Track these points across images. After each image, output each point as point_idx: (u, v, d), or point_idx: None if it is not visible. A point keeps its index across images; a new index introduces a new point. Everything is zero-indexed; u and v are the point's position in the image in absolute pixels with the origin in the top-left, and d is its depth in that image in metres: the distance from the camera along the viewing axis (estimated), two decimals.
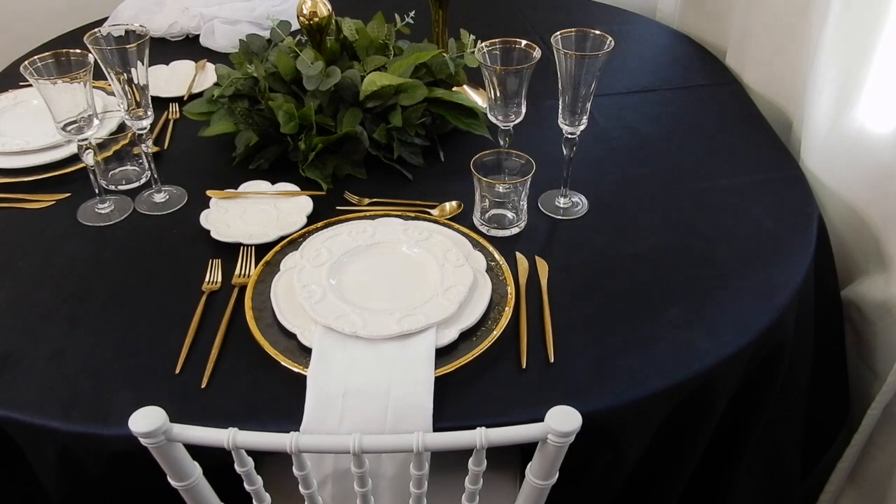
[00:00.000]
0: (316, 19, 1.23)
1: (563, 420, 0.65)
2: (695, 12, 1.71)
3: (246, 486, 0.73)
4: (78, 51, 1.03)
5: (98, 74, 1.04)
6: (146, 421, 0.65)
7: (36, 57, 1.01)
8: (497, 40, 1.07)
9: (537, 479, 0.71)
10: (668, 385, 0.87)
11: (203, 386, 0.86)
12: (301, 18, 1.24)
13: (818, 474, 1.26)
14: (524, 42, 1.07)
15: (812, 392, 1.13)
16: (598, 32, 1.02)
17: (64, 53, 1.02)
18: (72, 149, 1.21)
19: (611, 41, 1.00)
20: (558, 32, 1.02)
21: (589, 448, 0.80)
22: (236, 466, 0.69)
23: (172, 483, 0.71)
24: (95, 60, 1.02)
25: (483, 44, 1.07)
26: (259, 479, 0.72)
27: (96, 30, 1.03)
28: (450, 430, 0.71)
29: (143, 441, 0.66)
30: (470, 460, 0.70)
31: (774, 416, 1.05)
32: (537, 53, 1.05)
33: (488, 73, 1.06)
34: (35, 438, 0.85)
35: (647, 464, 0.94)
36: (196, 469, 0.72)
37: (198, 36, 1.64)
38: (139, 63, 1.03)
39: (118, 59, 1.01)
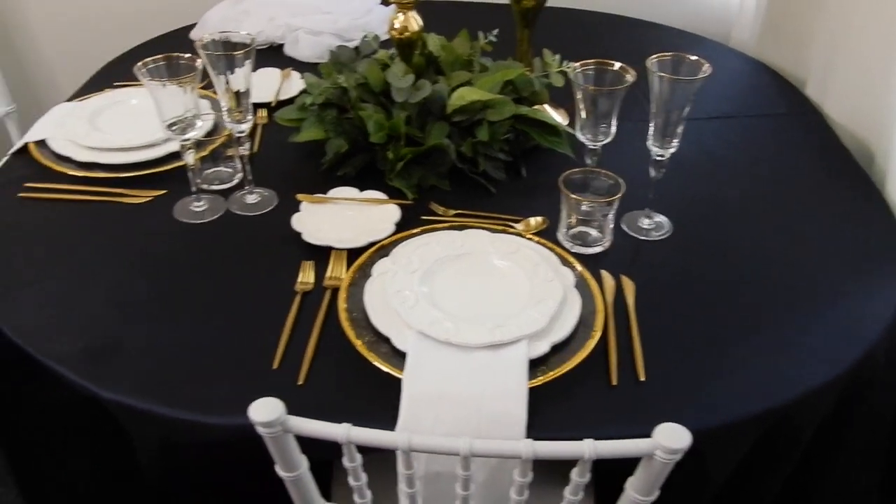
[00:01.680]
0: (407, 34, 1.27)
1: (673, 437, 0.66)
2: (773, 40, 1.71)
3: (352, 481, 0.75)
4: (187, 55, 1.07)
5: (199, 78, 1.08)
6: (265, 411, 0.67)
7: (149, 59, 1.05)
8: (591, 61, 1.09)
9: (638, 495, 0.72)
10: (755, 412, 0.87)
11: (300, 382, 0.89)
12: (392, 32, 1.27)
13: None
14: (618, 64, 1.09)
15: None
16: (693, 57, 1.04)
17: (175, 57, 1.07)
18: (168, 148, 1.26)
19: (707, 66, 1.02)
20: (654, 56, 1.03)
21: (676, 469, 0.81)
22: (345, 461, 0.72)
23: (281, 473, 0.74)
24: (203, 65, 1.06)
25: (576, 64, 1.09)
26: (365, 476, 0.74)
27: (206, 35, 1.07)
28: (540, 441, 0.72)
29: (261, 430, 0.68)
30: (574, 471, 0.71)
31: (856, 453, 1.03)
32: (631, 76, 1.07)
33: (581, 93, 1.08)
34: (139, 422, 0.88)
35: (729, 492, 0.94)
36: (304, 461, 0.74)
37: (282, 45, 1.69)
38: (244, 69, 1.07)
39: (225, 65, 1.05)
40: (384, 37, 1.37)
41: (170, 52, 1.07)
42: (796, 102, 1.53)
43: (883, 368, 0.98)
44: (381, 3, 1.86)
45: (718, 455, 0.89)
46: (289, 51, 1.67)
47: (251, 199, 1.19)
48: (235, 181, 1.23)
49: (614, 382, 0.89)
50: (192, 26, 1.75)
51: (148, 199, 1.19)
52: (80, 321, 0.97)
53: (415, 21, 1.26)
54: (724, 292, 1.03)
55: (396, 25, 1.26)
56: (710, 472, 0.89)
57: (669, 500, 0.89)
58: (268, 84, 1.52)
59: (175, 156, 1.26)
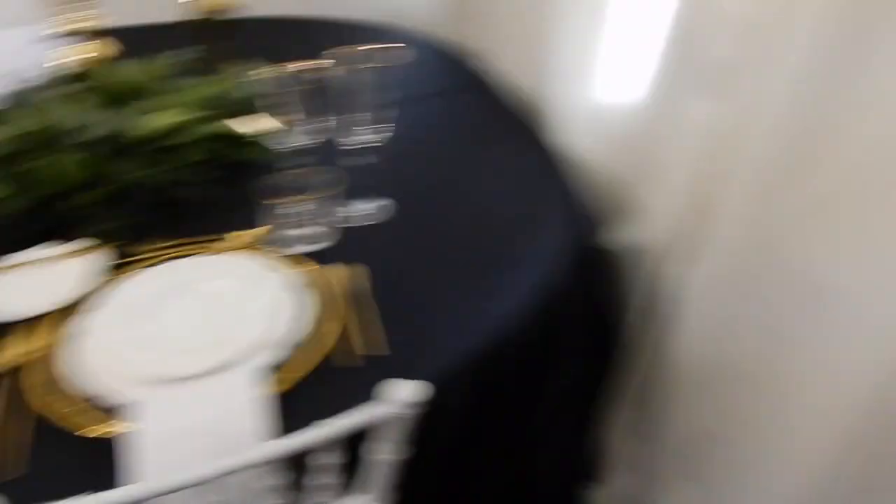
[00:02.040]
0: (88, 63, 1.17)
1: (403, 391, 0.69)
2: (457, 18, 1.84)
3: None
4: None
5: None
6: None
7: None
8: (281, 64, 1.09)
9: (392, 456, 0.74)
10: (475, 349, 0.96)
11: (14, 476, 0.79)
12: (69, 64, 1.16)
13: (603, 403, 1.37)
14: (308, 62, 1.09)
15: (588, 337, 1.24)
16: (366, 47, 1.07)
17: None
18: None
19: (396, 54, 1.06)
20: (329, 51, 1.05)
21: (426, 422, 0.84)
22: None
23: None
24: None
25: (266, 69, 1.08)
26: None
27: None
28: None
29: None
30: (321, 456, 0.70)
31: (564, 365, 1.15)
32: (323, 72, 1.08)
33: (289, 95, 1.08)
34: None
35: (468, 430, 1.00)
36: None
37: None
38: None
39: None
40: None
41: None
42: (471, 74, 1.66)
43: (571, 286, 1.11)
44: (36, 40, 1.69)
45: (453, 398, 0.94)
46: None
47: None
48: None
49: (358, 364, 0.91)
50: None
51: None
52: None
53: (94, 48, 1.17)
54: (439, 257, 1.11)
55: (74, 57, 1.16)
56: (448, 417, 0.94)
57: (417, 454, 0.92)
58: None
59: None
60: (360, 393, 0.85)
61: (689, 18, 1.05)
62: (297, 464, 0.72)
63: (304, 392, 0.87)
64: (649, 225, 1.23)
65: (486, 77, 1.64)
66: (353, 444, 0.72)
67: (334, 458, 0.70)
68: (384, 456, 0.74)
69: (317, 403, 0.85)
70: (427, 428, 0.80)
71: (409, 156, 1.35)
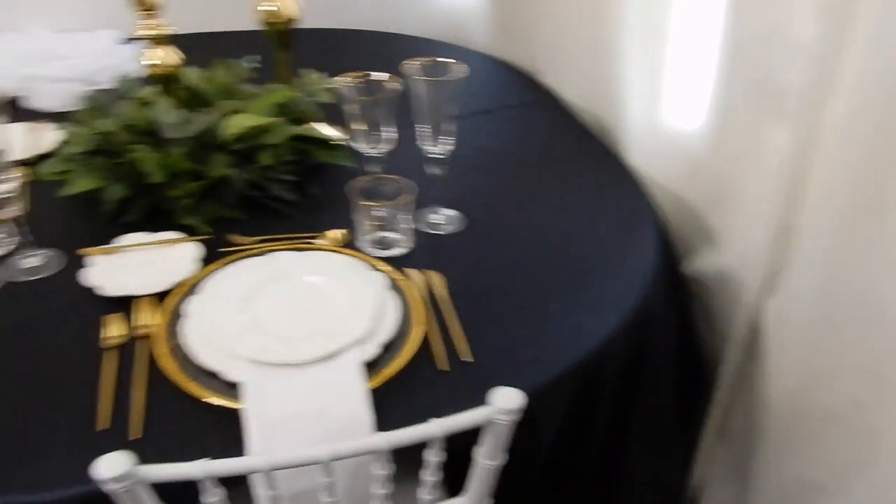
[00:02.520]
0: (166, 68, 1.25)
1: (507, 399, 0.74)
2: (505, 39, 1.88)
3: None
4: None
5: None
6: (112, 467, 0.65)
7: None
8: (354, 74, 1.15)
9: (488, 460, 0.79)
10: (571, 364, 0.98)
11: (134, 437, 0.85)
12: (151, 69, 1.24)
13: (692, 437, 1.42)
14: (381, 74, 1.15)
15: (677, 362, 1.30)
16: (446, 60, 1.13)
17: None
18: None
19: (463, 67, 1.11)
20: (407, 61, 1.11)
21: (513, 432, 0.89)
22: (206, 499, 0.71)
23: None
24: None
25: (341, 78, 1.14)
26: None
27: None
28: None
29: (111, 487, 0.65)
30: (427, 452, 0.76)
31: (653, 386, 1.18)
32: (396, 84, 1.14)
33: (351, 106, 1.13)
34: None
35: (561, 442, 1.04)
36: None
37: (16, 98, 1.57)
38: None
39: None
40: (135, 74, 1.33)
41: None
42: (538, 91, 1.70)
43: (659, 308, 1.14)
44: (121, 42, 1.78)
45: (545, 412, 0.98)
46: (31, 102, 1.56)
47: (31, 262, 1.10)
48: (12, 247, 1.13)
49: (444, 368, 0.95)
50: None
51: None
52: None
53: (173, 55, 1.25)
54: (520, 269, 1.14)
55: (154, 61, 1.23)
56: (541, 429, 0.98)
57: (511, 463, 0.98)
58: (16, 140, 1.40)
59: None
60: (446, 397, 0.92)
61: (764, 44, 1.06)
62: (401, 457, 0.77)
63: (392, 391, 0.91)
64: (727, 253, 1.25)
65: (554, 94, 1.68)
66: (454, 444, 0.77)
67: (437, 456, 0.75)
68: (484, 460, 0.79)
69: (403, 403, 0.90)
70: (517, 439, 0.85)
71: (484, 168, 1.39)
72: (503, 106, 1.63)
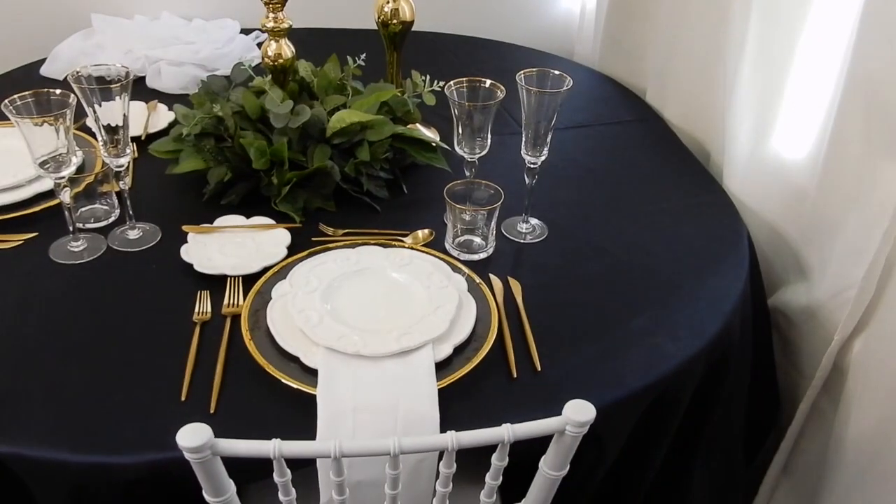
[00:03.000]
0: (280, 61, 1.29)
1: (580, 411, 0.73)
2: (613, 54, 1.86)
3: (282, 497, 0.76)
4: (58, 91, 1.05)
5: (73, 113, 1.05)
6: (193, 437, 0.68)
7: (16, 96, 1.02)
8: (464, 79, 1.16)
9: (552, 471, 0.78)
10: (643, 384, 0.96)
11: (212, 411, 0.89)
12: (266, 60, 1.29)
13: (757, 468, 1.38)
14: (488, 81, 1.16)
15: (750, 393, 1.26)
16: (556, 72, 1.13)
17: (44, 92, 1.04)
18: (35, 188, 1.22)
19: (570, 80, 1.11)
20: (522, 71, 1.12)
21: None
22: (276, 477, 0.73)
23: (210, 500, 0.74)
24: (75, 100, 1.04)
25: (451, 82, 1.16)
26: (294, 491, 0.76)
27: (78, 69, 1.05)
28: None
29: (190, 456, 0.68)
30: (494, 456, 0.76)
31: (723, 414, 1.16)
32: (502, 92, 1.15)
33: (458, 109, 1.15)
34: (44, 474, 0.84)
35: (623, 460, 1.03)
36: (231, 485, 0.75)
37: (141, 77, 1.65)
38: (120, 102, 1.06)
39: (101, 98, 1.04)
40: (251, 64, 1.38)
41: (21, 89, 1.04)
42: (640, 110, 1.68)
43: (738, 337, 1.11)
44: (241, 32, 1.86)
45: (614, 428, 0.97)
46: (151, 83, 1.64)
47: (133, 234, 1.16)
48: (112, 218, 1.20)
49: (514, 375, 0.95)
50: (41, 62, 1.68)
51: (18, 242, 1.14)
52: None
53: (287, 48, 1.29)
54: (600, 284, 1.13)
55: (270, 53, 1.29)
56: (606, 444, 0.97)
57: (572, 476, 0.97)
58: (133, 117, 1.49)
59: (42, 196, 1.22)
60: (513, 404, 0.92)
61: (886, 81, 1.02)
62: (462, 459, 0.78)
63: (459, 392, 0.92)
64: (819, 288, 1.21)
65: (656, 114, 1.65)
66: (520, 452, 0.77)
67: (503, 461, 0.75)
68: (548, 470, 0.79)
69: (469, 405, 0.91)
70: (581, 453, 0.85)
71: (576, 180, 1.38)
72: (603, 121, 1.61)
